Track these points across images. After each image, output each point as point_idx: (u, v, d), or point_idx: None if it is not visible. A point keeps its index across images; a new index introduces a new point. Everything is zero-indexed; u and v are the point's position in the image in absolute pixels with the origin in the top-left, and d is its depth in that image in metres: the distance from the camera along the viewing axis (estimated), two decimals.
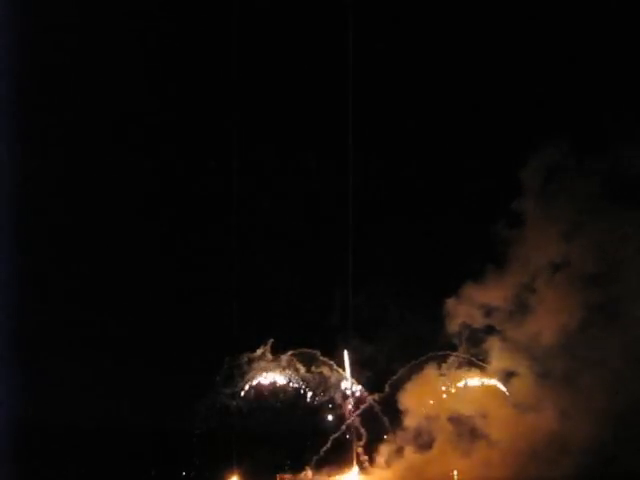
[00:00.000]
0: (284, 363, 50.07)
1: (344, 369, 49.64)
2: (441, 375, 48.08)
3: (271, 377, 49.74)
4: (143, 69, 49.26)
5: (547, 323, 45.96)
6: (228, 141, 48.78)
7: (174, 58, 50.16)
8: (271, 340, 49.43)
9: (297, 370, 50.12)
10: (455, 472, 46.85)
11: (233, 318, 49.02)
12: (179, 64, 50.38)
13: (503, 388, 47.77)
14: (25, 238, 45.35)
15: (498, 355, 47.23)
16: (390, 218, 49.20)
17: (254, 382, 49.54)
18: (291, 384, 49.72)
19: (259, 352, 49.81)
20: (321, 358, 49.84)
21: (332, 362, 49.72)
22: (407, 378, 48.25)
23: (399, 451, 47.92)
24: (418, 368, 48.09)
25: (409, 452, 47.64)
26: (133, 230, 50.32)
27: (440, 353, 48.19)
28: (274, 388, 49.82)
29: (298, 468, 48.79)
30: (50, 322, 48.08)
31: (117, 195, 50.98)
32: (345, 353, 49.84)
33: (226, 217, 49.32)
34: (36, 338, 47.04)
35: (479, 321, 47.52)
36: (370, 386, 49.53)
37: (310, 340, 49.62)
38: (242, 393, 49.47)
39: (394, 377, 48.55)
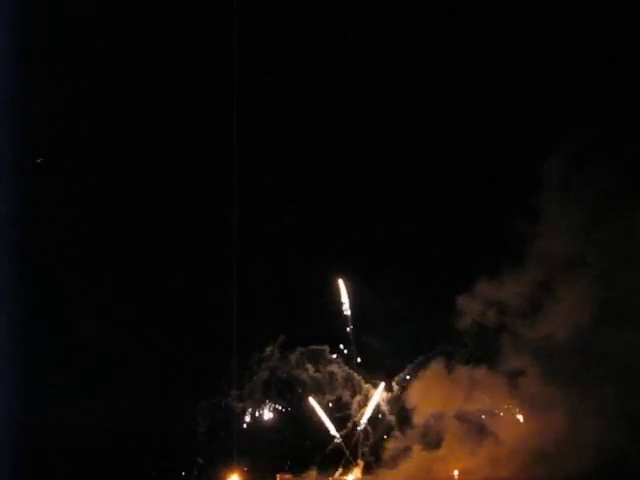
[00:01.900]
0: (293, 362, 49.52)
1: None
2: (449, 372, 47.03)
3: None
4: (139, 73, 49.18)
5: (559, 321, 44.89)
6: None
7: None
8: (282, 337, 48.94)
9: (306, 369, 49.53)
10: (456, 472, 45.93)
11: (241, 317, 48.87)
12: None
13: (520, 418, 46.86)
14: (26, 239, 45.37)
15: (508, 353, 46.03)
16: (403, 213, 48.65)
17: (256, 413, 49.42)
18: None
19: (268, 351, 49.25)
20: (329, 356, 49.25)
21: (340, 359, 49.20)
22: (415, 374, 47.55)
23: (405, 449, 47.05)
24: (426, 364, 47.31)
25: (416, 450, 46.77)
26: (139, 231, 50.09)
27: (449, 348, 47.24)
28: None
29: (299, 467, 48.04)
30: (51, 322, 47.86)
31: (125, 198, 50.74)
32: (340, 282, 49.24)
33: (231, 216, 49.46)
34: (37, 338, 46.86)
35: (490, 318, 46.51)
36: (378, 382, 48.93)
37: (319, 337, 49.34)
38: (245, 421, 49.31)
39: (402, 374, 47.89)
